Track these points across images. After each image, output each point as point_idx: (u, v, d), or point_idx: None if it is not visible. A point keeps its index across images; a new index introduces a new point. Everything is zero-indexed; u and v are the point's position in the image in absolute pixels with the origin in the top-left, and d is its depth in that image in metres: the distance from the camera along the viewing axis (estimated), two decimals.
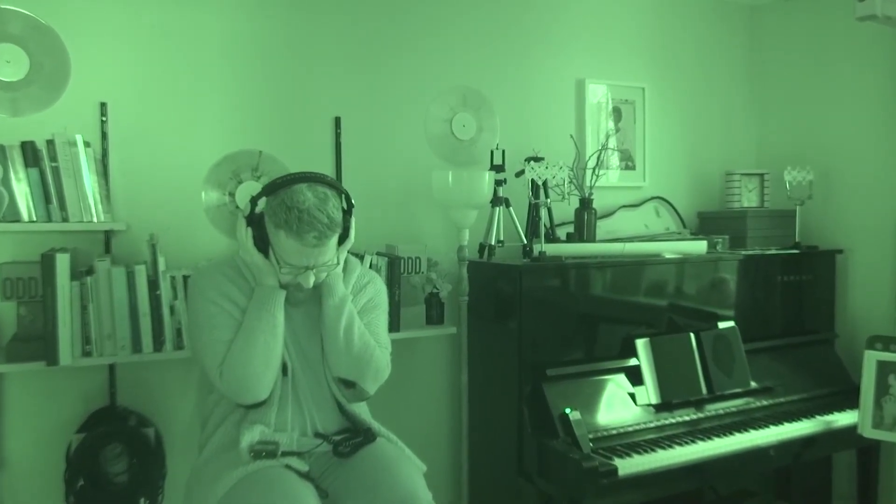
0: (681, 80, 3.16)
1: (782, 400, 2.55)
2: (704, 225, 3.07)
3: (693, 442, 2.23)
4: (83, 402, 2.19)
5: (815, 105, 3.05)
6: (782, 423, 2.40)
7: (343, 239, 1.74)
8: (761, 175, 3.06)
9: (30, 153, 1.98)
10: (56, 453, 2.10)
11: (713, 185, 3.22)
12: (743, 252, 2.75)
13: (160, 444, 2.17)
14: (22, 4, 2.07)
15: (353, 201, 1.75)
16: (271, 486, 1.54)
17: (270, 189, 1.67)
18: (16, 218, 1.96)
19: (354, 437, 1.78)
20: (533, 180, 2.48)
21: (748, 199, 3.05)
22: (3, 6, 2.05)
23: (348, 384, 1.80)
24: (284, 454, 1.65)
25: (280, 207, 1.63)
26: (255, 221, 1.68)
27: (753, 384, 2.52)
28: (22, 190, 1.97)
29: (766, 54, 3.26)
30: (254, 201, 1.68)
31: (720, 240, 2.75)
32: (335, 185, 1.73)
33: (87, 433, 2.05)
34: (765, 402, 2.51)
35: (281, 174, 2.31)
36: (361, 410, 1.91)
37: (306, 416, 1.79)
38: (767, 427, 2.37)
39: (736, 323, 2.58)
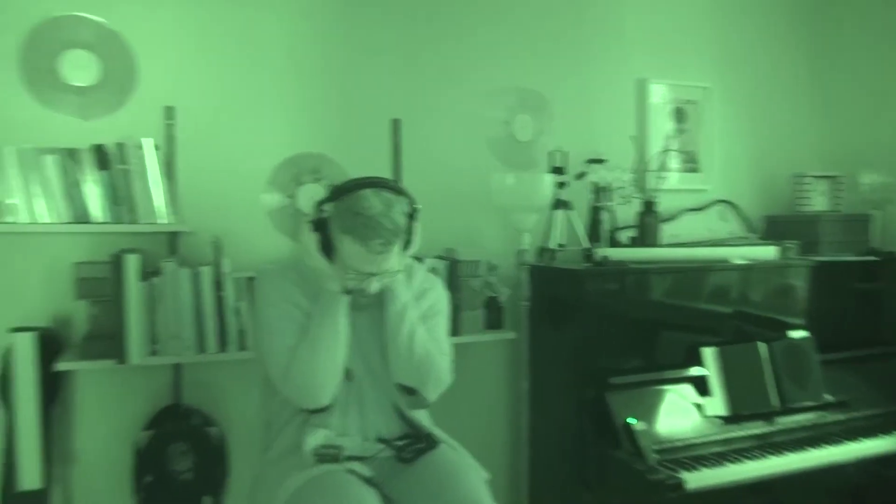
0: (746, 79, 3.05)
1: (858, 415, 2.42)
2: (772, 229, 2.96)
3: (764, 456, 2.14)
4: (150, 400, 2.24)
5: (890, 103, 2.90)
6: (859, 440, 2.29)
7: (407, 244, 1.73)
8: (834, 177, 2.93)
9: (100, 156, 2.03)
10: (124, 449, 2.16)
11: (781, 188, 3.10)
12: (815, 258, 2.63)
13: (223, 444, 2.20)
14: (93, 11, 2.13)
15: (418, 206, 1.73)
16: (336, 491, 1.54)
17: (336, 194, 1.67)
18: (87, 219, 2.01)
19: (416, 442, 1.77)
20: (595, 183, 2.43)
21: (819, 202, 2.92)
22: (76, 14, 2.11)
23: (409, 391, 1.79)
24: (348, 458, 1.64)
25: (346, 213, 1.62)
26: (320, 226, 1.68)
27: (828, 397, 2.41)
28: (93, 192, 2.02)
29: (836, 50, 3.12)
30: (320, 206, 1.68)
31: (791, 245, 2.64)
32: (401, 189, 1.71)
33: (154, 431, 2.09)
34: (840, 417, 2.40)
35: (341, 176, 2.36)
36: (422, 416, 1.89)
37: (368, 422, 1.78)
38: (843, 443, 2.26)
39: (809, 332, 2.47)
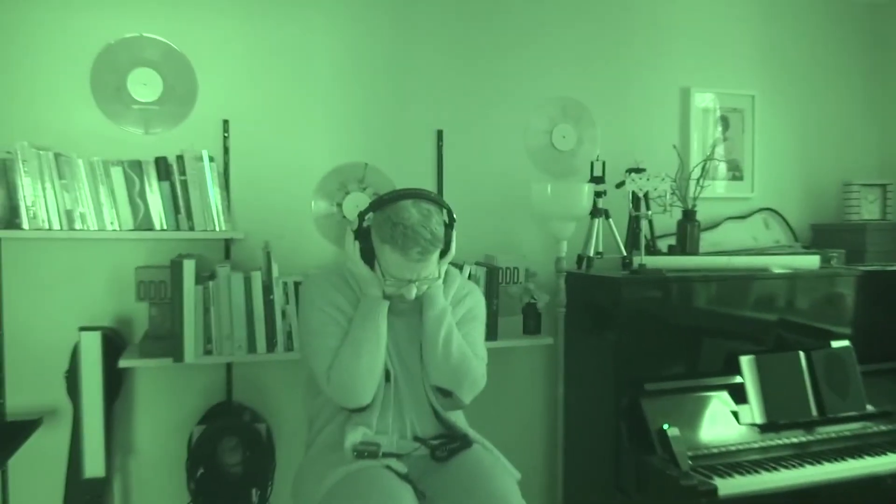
0: (794, 86, 3.03)
1: None
2: (819, 238, 2.93)
3: (801, 465, 2.14)
4: (203, 396, 2.37)
5: None
6: None
7: (444, 252, 1.80)
8: (884, 186, 2.88)
9: (162, 168, 2.17)
10: (179, 443, 2.29)
11: (829, 197, 3.06)
12: (861, 267, 2.60)
13: (270, 439, 2.31)
14: (157, 32, 2.28)
15: (454, 216, 1.81)
16: (372, 485, 1.62)
17: (377, 205, 1.76)
18: (149, 227, 2.16)
19: (451, 442, 1.84)
20: (634, 192, 2.46)
21: (868, 210, 2.88)
22: (145, 35, 2.27)
23: (445, 393, 1.86)
24: (385, 455, 1.73)
25: (386, 223, 1.71)
26: (362, 235, 1.77)
27: (870, 408, 2.38)
28: (155, 201, 2.17)
29: (889, 56, 3.07)
30: (362, 216, 1.77)
31: (835, 254, 2.61)
32: (438, 200, 1.79)
33: (206, 426, 2.22)
34: (883, 428, 2.37)
35: (385, 186, 2.46)
36: (457, 418, 1.96)
37: (406, 421, 1.86)
38: (885, 454, 2.23)
39: (853, 343, 2.45)
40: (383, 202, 1.75)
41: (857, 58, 3.12)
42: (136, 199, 2.15)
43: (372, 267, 1.78)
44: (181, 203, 2.18)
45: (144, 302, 2.22)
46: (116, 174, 2.13)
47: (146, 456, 2.34)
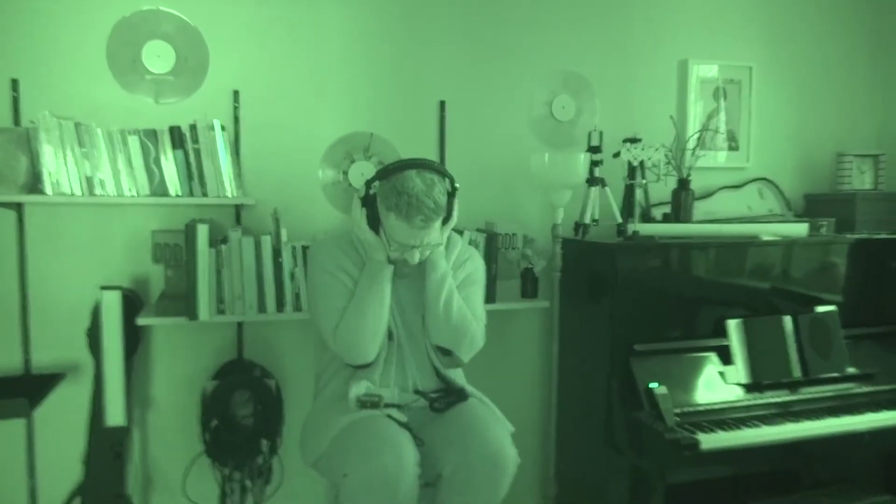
0: (793, 58, 3.07)
1: (884, 387, 2.49)
2: (811, 207, 3.01)
3: (781, 423, 2.25)
4: (216, 354, 2.51)
5: None
6: (881, 411, 2.36)
7: (447, 220, 1.90)
8: (876, 156, 2.95)
9: (176, 137, 2.27)
10: (193, 397, 2.43)
11: (823, 167, 3.13)
12: (849, 235, 2.68)
13: (280, 394, 2.45)
14: (170, 5, 2.36)
15: (456, 185, 1.90)
16: (375, 432, 1.75)
17: (383, 174, 1.85)
18: (164, 193, 2.27)
19: (449, 395, 1.96)
20: (629, 161, 2.54)
21: (861, 181, 2.95)
22: (160, 8, 2.35)
23: (445, 352, 1.97)
24: (387, 406, 1.85)
25: (391, 192, 1.80)
26: (368, 202, 1.87)
27: (853, 370, 2.48)
28: (169, 168, 2.27)
29: (891, 27, 3.10)
30: (368, 184, 1.87)
31: (824, 223, 2.69)
32: (441, 170, 1.88)
33: (220, 381, 2.35)
34: (864, 389, 2.47)
35: (390, 155, 2.56)
36: (456, 375, 2.08)
37: (408, 377, 1.99)
38: (864, 413, 2.34)
39: (841, 308, 2.54)
40: (389, 171, 1.84)
41: (857, 29, 3.15)
42: (152, 166, 2.26)
43: (377, 233, 1.88)
44: (194, 170, 2.29)
45: (160, 264, 2.34)
46: (133, 143, 2.24)
47: (163, 408, 2.48)
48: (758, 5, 3.02)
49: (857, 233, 2.74)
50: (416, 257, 1.88)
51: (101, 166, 2.21)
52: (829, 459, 2.53)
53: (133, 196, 2.25)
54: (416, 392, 1.97)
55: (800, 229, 2.61)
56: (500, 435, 1.83)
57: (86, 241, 2.38)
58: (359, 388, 1.88)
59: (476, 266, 2.09)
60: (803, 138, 3.13)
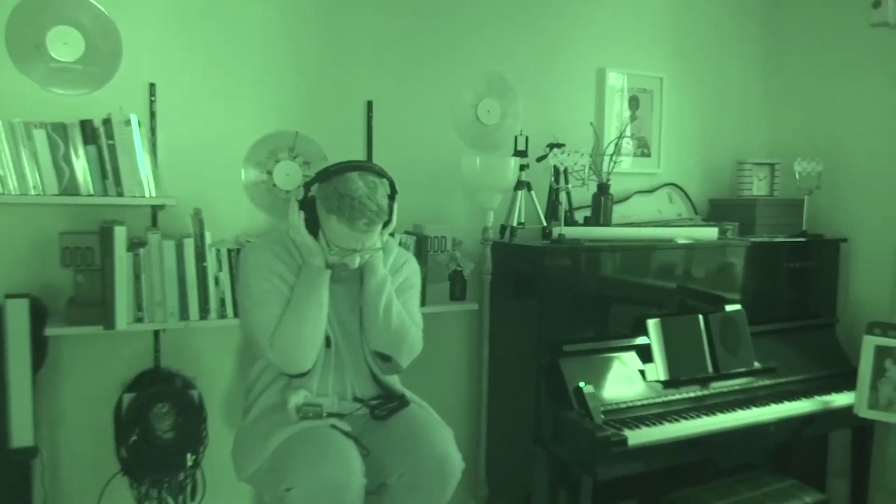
0: (698, 71, 3.26)
1: (784, 380, 2.70)
2: (715, 211, 3.20)
3: (698, 416, 2.39)
4: (131, 363, 2.35)
5: (828, 98, 3.15)
6: (783, 402, 2.56)
7: (387, 223, 1.88)
8: (772, 165, 3.18)
9: (88, 131, 2.11)
10: (107, 410, 2.27)
11: (725, 174, 3.34)
12: (751, 239, 2.88)
13: (202, 405, 2.33)
14: None
15: (396, 188, 1.88)
16: (320, 442, 1.70)
17: (323, 176, 1.80)
18: (75, 192, 2.10)
19: (389, 402, 1.94)
20: (555, 166, 2.61)
21: (759, 187, 3.17)
22: None
23: (384, 358, 1.95)
24: (329, 415, 1.81)
25: (333, 194, 1.76)
26: (307, 205, 1.81)
27: (757, 364, 2.67)
28: (80, 166, 2.11)
29: (782, 47, 3.36)
30: (307, 186, 1.81)
31: (730, 227, 2.87)
32: (382, 172, 1.86)
33: (137, 392, 2.21)
34: (767, 382, 2.67)
35: (316, 154, 2.49)
36: (393, 380, 2.06)
37: (346, 384, 1.95)
38: (769, 405, 2.52)
39: (743, 306, 2.72)
40: (329, 173, 1.79)
41: (755, 47, 3.38)
42: (61, 163, 2.08)
43: (315, 237, 1.83)
44: (109, 168, 2.13)
45: (69, 268, 2.17)
46: (39, 137, 2.05)
47: (73, 422, 2.30)
48: (669, 19, 3.17)
49: (757, 236, 2.94)
50: (356, 262, 1.85)
51: (2, 162, 2.02)
52: (736, 449, 2.70)
53: (39, 195, 2.07)
54: (357, 400, 1.93)
55: (710, 233, 2.77)
56: (444, 440, 1.84)
57: None
58: (297, 398, 1.83)
59: (413, 270, 2.09)
60: (707, 146, 3.32)
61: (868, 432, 2.75)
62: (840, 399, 2.62)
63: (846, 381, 2.68)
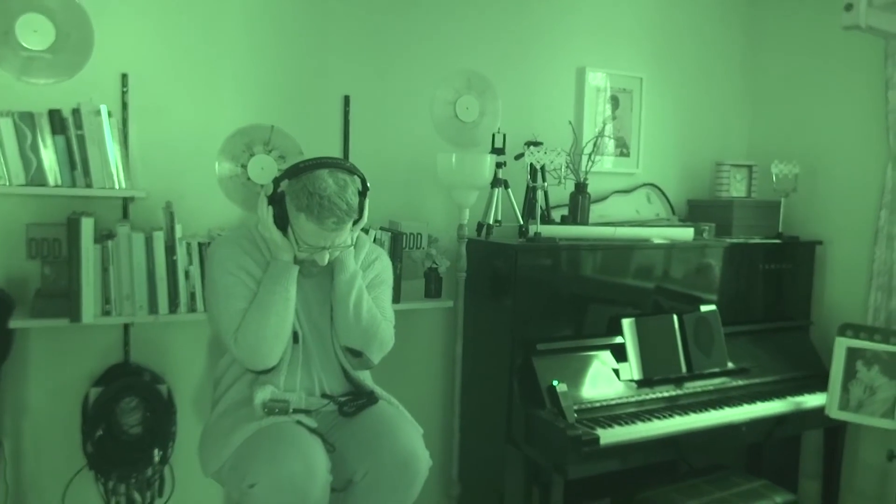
0: (678, 72, 3.26)
1: (757, 381, 2.71)
2: (693, 212, 3.21)
3: (671, 416, 2.39)
4: (99, 357, 2.32)
5: (805, 102, 3.17)
6: (755, 403, 2.56)
7: (357, 220, 1.86)
8: (749, 167, 3.19)
9: (57, 121, 2.08)
10: (74, 404, 2.24)
11: (704, 175, 3.35)
12: (728, 240, 2.89)
13: (171, 399, 2.30)
14: None
15: (367, 185, 1.86)
16: (284, 439, 1.68)
17: (293, 172, 1.78)
18: (43, 182, 2.07)
19: (358, 398, 1.92)
20: (532, 164, 2.60)
21: (736, 189, 3.17)
22: None
23: (355, 353, 1.93)
24: (295, 411, 1.79)
25: (302, 192, 1.73)
26: (276, 200, 1.79)
27: (730, 365, 2.67)
28: (48, 156, 2.07)
29: (761, 50, 3.37)
30: (276, 182, 1.79)
31: (707, 227, 2.88)
32: (353, 169, 1.84)
33: (105, 386, 2.18)
34: (740, 382, 2.67)
35: (291, 149, 2.47)
36: (364, 376, 2.05)
37: (315, 380, 1.93)
38: (741, 405, 2.53)
39: (718, 307, 2.73)
40: (299, 170, 1.77)
41: (735, 50, 3.39)
42: (28, 152, 2.05)
43: (285, 233, 1.81)
44: (77, 159, 2.10)
45: (36, 260, 2.13)
46: (6, 126, 2.02)
47: (39, 416, 2.26)
48: (650, 20, 3.17)
49: (734, 237, 2.95)
50: (325, 258, 1.83)
51: None
52: (708, 449, 2.71)
53: (4, 185, 2.03)
54: (325, 396, 1.92)
55: (686, 233, 2.77)
56: (411, 437, 1.82)
57: None
58: (264, 394, 1.81)
59: (384, 266, 2.07)
60: (685, 147, 3.32)
61: (840, 434, 2.76)
62: (812, 400, 2.64)
63: (819, 382, 2.70)
